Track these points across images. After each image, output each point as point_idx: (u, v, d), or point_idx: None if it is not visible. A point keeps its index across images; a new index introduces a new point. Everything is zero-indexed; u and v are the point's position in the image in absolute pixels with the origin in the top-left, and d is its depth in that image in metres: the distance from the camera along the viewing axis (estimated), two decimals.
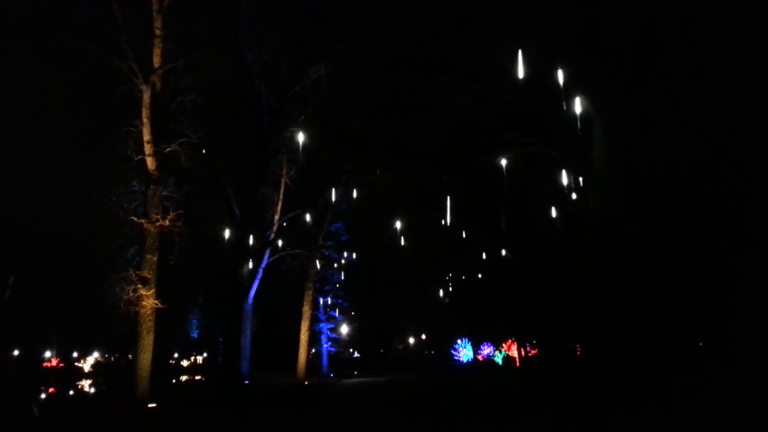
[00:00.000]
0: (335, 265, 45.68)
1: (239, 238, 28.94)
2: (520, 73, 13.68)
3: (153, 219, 21.34)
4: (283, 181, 33.26)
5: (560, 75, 17.30)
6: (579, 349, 31.87)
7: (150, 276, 21.15)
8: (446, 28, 24.30)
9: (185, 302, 58.66)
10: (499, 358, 57.62)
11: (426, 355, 76.98)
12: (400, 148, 33.00)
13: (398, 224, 31.36)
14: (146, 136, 21.31)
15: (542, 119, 24.63)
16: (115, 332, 21.38)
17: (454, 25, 23.73)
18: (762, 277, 21.49)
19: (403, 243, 38.33)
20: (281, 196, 33.40)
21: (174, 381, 48.65)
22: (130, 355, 24.88)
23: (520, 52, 13.39)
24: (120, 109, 21.79)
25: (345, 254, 46.24)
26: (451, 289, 52.41)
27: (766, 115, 20.94)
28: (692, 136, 22.90)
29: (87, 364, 74.73)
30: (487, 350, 59.92)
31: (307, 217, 33.85)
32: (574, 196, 22.42)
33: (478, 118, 29.44)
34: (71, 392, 40.64)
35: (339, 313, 50.06)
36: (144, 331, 20.84)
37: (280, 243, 34.03)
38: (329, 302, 48.66)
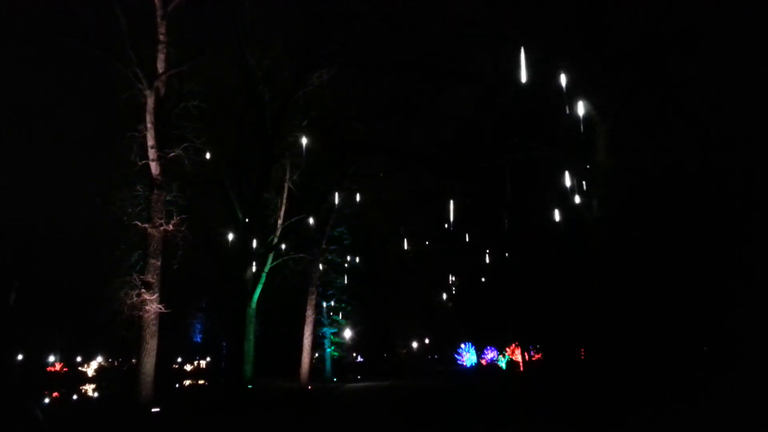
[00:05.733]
0: (338, 269, 45.68)
1: (242, 242, 28.99)
2: (523, 76, 13.66)
3: (157, 223, 21.40)
4: (286, 185, 33.29)
5: (563, 79, 17.32)
6: (583, 354, 31.76)
7: (153, 280, 21.19)
8: (449, 32, 24.33)
9: (189, 307, 58.78)
10: (502, 363, 57.40)
11: (429, 359, 76.85)
12: (402, 152, 33.03)
13: (401, 228, 31.37)
14: (150, 141, 21.40)
15: (545, 123, 24.64)
16: (119, 337, 21.43)
17: (457, 29, 23.76)
18: (765, 280, 21.46)
19: (406, 247, 38.38)
20: (284, 201, 33.43)
21: (177, 385, 48.66)
22: (133, 360, 24.92)
23: (522, 54, 13.33)
24: (124, 115, 21.91)
25: (348, 258, 46.25)
26: (454, 293, 52.36)
27: None
28: (695, 139, 22.89)
29: (90, 369, 74.77)
30: (490, 354, 59.69)
31: (310, 221, 33.87)
32: (577, 199, 22.40)
33: (481, 122, 29.46)
34: (75, 397, 40.69)
35: (342, 317, 49.98)
36: (147, 336, 20.87)
37: (283, 247, 34.05)
38: (333, 306, 48.62)
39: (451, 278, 49.65)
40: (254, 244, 29.45)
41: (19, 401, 27.05)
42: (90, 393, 46.12)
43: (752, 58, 20.21)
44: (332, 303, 48.32)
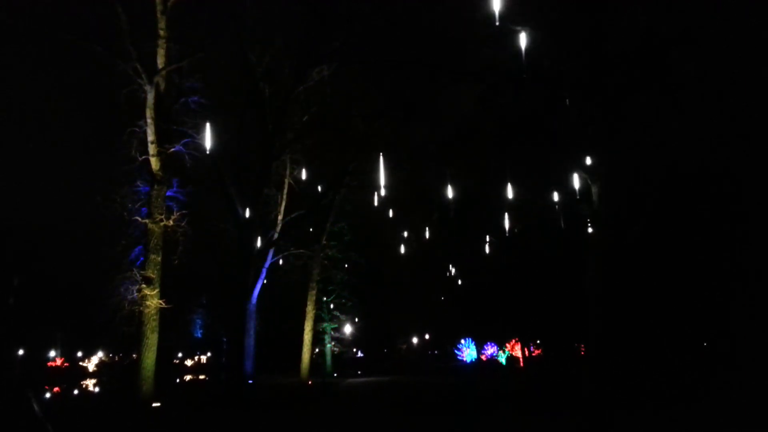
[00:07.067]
0: (339, 264, 45.66)
1: (243, 238, 29.00)
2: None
3: (157, 219, 21.40)
4: (286, 181, 33.28)
5: (564, 77, 17.31)
6: (583, 350, 31.82)
7: (154, 276, 21.21)
8: (450, 29, 24.31)
9: (189, 302, 58.72)
10: (502, 358, 57.50)
11: (429, 354, 76.93)
12: (403, 149, 33.00)
13: (401, 224, 31.40)
14: (150, 137, 21.39)
15: (546, 121, 24.60)
16: (120, 332, 21.44)
17: (457, 27, 23.74)
18: (765, 280, 21.46)
19: (406, 243, 38.38)
20: (285, 197, 33.41)
21: (178, 381, 48.78)
22: (134, 355, 24.94)
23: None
24: (124, 110, 21.88)
25: (348, 254, 46.25)
26: (454, 289, 52.36)
27: None
28: (695, 139, 22.86)
29: (91, 364, 74.91)
30: (490, 350, 59.78)
31: (311, 218, 33.89)
32: (578, 196, 22.39)
33: (482, 120, 29.41)
34: (76, 392, 40.80)
35: (342, 313, 50.03)
36: (148, 331, 20.89)
37: (283, 243, 34.06)
38: (333, 302, 48.66)
39: (452, 274, 49.66)
40: (254, 240, 29.45)
41: (20, 397, 27.11)
42: (91, 388, 46.25)
43: (752, 58, 20.15)
44: (332, 299, 48.37)
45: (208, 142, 20.19)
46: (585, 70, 21.21)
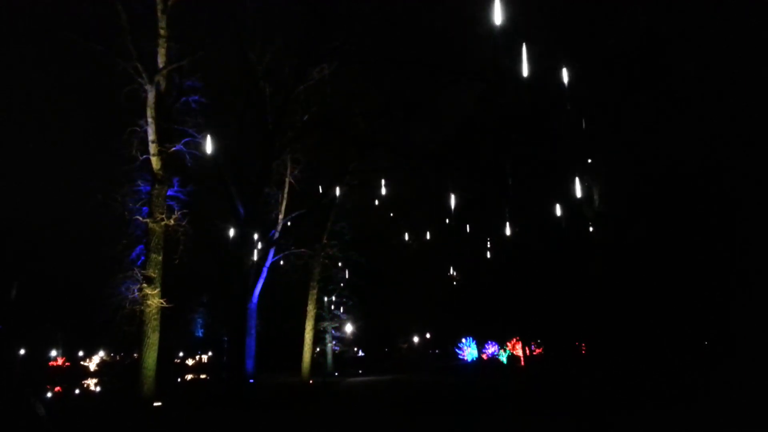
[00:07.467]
0: (339, 264, 45.71)
1: (244, 237, 29.02)
2: (524, 70, 13.55)
3: (158, 218, 21.44)
4: (287, 180, 33.32)
5: (564, 76, 17.30)
6: (584, 349, 31.81)
7: (155, 275, 21.25)
8: (449, 29, 24.34)
9: (190, 301, 58.86)
10: (503, 357, 57.45)
11: (430, 354, 76.90)
12: (404, 148, 33.03)
13: (402, 223, 31.44)
14: (151, 136, 21.43)
15: (546, 119, 24.63)
16: (121, 331, 21.47)
17: (457, 27, 23.77)
18: (765, 280, 21.46)
19: (407, 242, 38.47)
20: (285, 196, 33.44)
21: (179, 380, 48.78)
22: (135, 354, 24.99)
23: (524, 49, 13.24)
24: (125, 110, 21.93)
25: (349, 254, 46.30)
26: (455, 287, 52.39)
27: None
28: (696, 136, 22.86)
29: (92, 363, 74.95)
30: (491, 349, 59.71)
31: (311, 217, 33.93)
32: (578, 195, 22.42)
33: (482, 119, 29.44)
34: (77, 391, 40.83)
35: (343, 312, 50.09)
36: (149, 330, 20.94)
37: (284, 242, 34.07)
38: (334, 301, 48.69)
39: (452, 273, 49.68)
40: (255, 239, 29.49)
41: (21, 396, 27.16)
42: (92, 387, 46.28)
43: (752, 58, 20.17)
44: (333, 298, 48.39)
45: (209, 147, 20.19)
46: (585, 70, 21.23)
